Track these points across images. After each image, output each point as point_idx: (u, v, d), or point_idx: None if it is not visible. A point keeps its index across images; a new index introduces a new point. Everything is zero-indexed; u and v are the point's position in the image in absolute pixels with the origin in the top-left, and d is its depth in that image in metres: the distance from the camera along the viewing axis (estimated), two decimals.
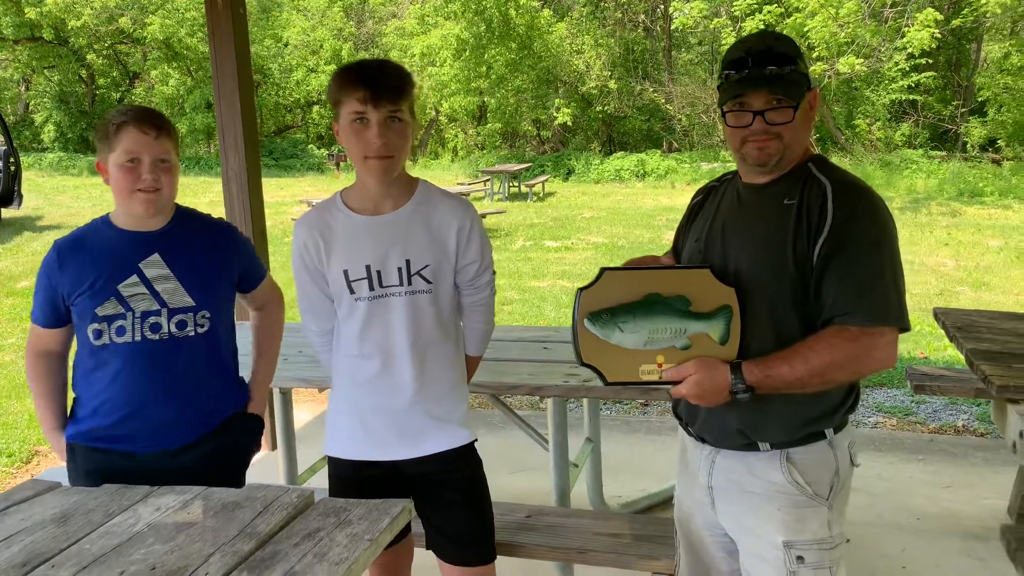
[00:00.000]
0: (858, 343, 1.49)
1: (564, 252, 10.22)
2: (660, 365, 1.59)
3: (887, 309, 1.50)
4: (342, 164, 20.05)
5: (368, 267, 1.78)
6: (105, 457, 1.91)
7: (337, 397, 1.93)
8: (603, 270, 1.62)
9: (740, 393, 1.54)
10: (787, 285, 1.55)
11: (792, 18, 15.51)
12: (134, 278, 1.87)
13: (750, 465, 1.64)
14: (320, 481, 3.44)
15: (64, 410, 2.00)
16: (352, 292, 1.80)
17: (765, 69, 1.53)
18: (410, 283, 1.79)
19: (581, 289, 1.61)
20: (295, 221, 1.86)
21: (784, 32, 15.36)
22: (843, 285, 1.50)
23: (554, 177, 18.44)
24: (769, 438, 1.61)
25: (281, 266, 8.91)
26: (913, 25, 14.70)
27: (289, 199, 14.53)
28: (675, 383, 1.59)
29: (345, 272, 1.79)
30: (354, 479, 1.91)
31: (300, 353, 3.12)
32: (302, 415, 4.54)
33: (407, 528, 1.96)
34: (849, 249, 1.49)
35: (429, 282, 1.81)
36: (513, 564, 2.17)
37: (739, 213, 1.65)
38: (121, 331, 1.86)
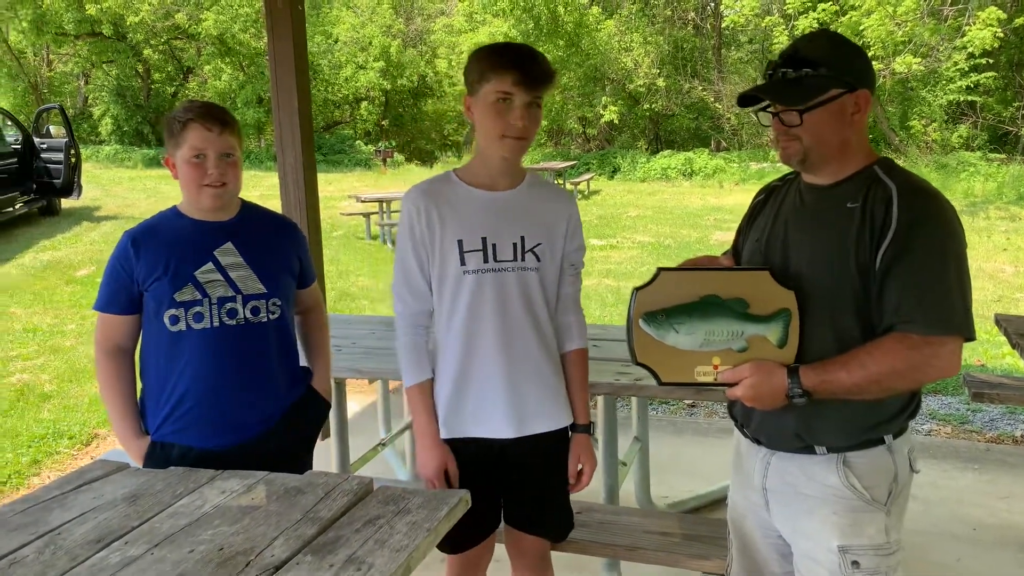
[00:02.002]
0: (919, 351, 1.46)
1: (609, 251, 10.19)
2: (716, 367, 1.59)
3: (951, 317, 1.46)
4: (388, 160, 20.25)
5: (484, 239, 1.81)
6: (183, 453, 1.95)
7: (444, 377, 1.90)
8: (660, 270, 1.61)
9: (797, 398, 1.52)
10: (848, 289, 1.52)
11: (847, 16, 15.22)
12: (209, 265, 1.93)
13: (806, 468, 1.62)
14: (371, 470, 3.50)
15: (138, 414, 2.02)
16: (463, 263, 1.81)
17: (777, 72, 1.55)
18: (523, 259, 1.83)
19: (637, 288, 1.61)
20: (405, 193, 1.88)
21: (838, 30, 15.11)
22: (906, 291, 1.47)
23: (599, 175, 18.38)
24: (826, 442, 1.59)
25: (330, 260, 9.06)
26: (974, 24, 14.30)
27: (337, 194, 14.73)
28: (730, 385, 1.58)
29: (460, 242, 1.81)
30: (456, 459, 1.90)
31: (354, 345, 3.18)
32: (352, 406, 4.62)
33: (491, 526, 1.98)
34: (913, 254, 1.46)
35: (539, 260, 1.84)
36: (561, 559, 2.18)
37: (801, 215, 1.63)
38: (199, 317, 1.91)
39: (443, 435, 1.90)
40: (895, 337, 1.48)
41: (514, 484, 1.95)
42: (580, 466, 1.96)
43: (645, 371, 1.63)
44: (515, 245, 1.82)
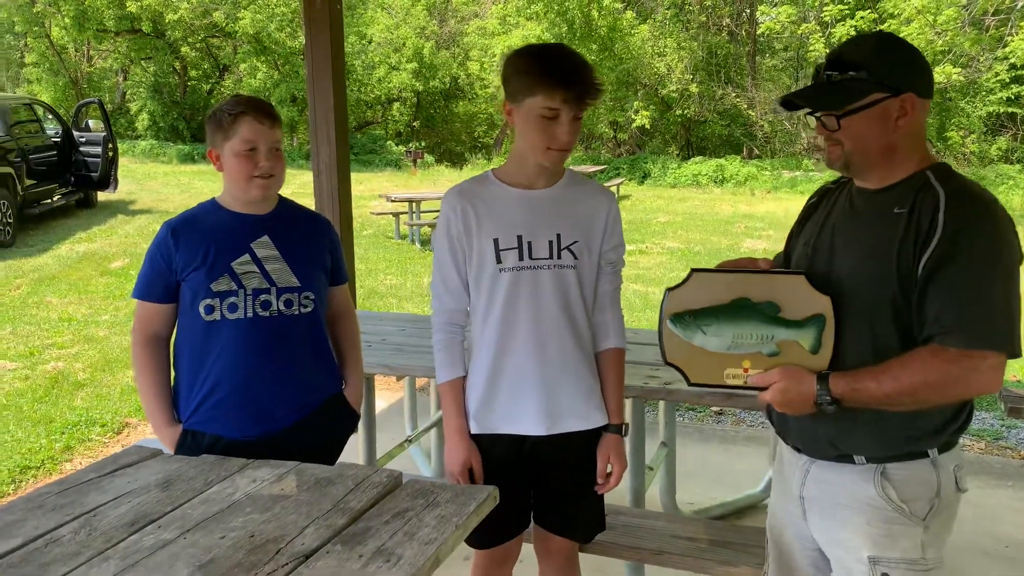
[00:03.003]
0: (957, 365, 1.40)
1: (638, 256, 10.14)
2: (746, 370, 1.58)
3: (992, 330, 1.40)
4: (419, 161, 20.33)
5: (520, 237, 1.82)
6: (213, 442, 1.97)
7: (477, 373, 1.90)
8: (693, 271, 1.61)
9: (825, 405, 1.49)
10: (888, 297, 1.48)
11: (886, 24, 15.03)
12: (246, 256, 1.95)
13: (843, 477, 1.58)
14: (396, 466, 3.51)
15: (171, 402, 2.05)
16: (499, 261, 1.82)
17: (822, 75, 1.53)
18: (559, 256, 1.83)
19: (669, 289, 1.61)
20: (444, 193, 1.89)
21: None
22: (946, 301, 1.41)
23: (629, 180, 18.31)
24: (864, 451, 1.55)
25: (359, 258, 9.13)
26: (1017, 34, 14.05)
27: (367, 193, 14.82)
28: (760, 389, 1.57)
29: (495, 240, 1.82)
30: (485, 455, 1.90)
31: (383, 341, 3.19)
32: (379, 402, 4.64)
33: (521, 524, 1.98)
34: (957, 263, 1.41)
35: (576, 258, 1.84)
36: (585, 560, 2.18)
37: (849, 219, 1.60)
38: (233, 308, 1.94)
39: (474, 430, 1.90)
40: (932, 349, 1.43)
41: (544, 483, 1.95)
42: (609, 467, 1.95)
43: (674, 375, 1.63)
44: (551, 243, 1.83)
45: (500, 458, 1.90)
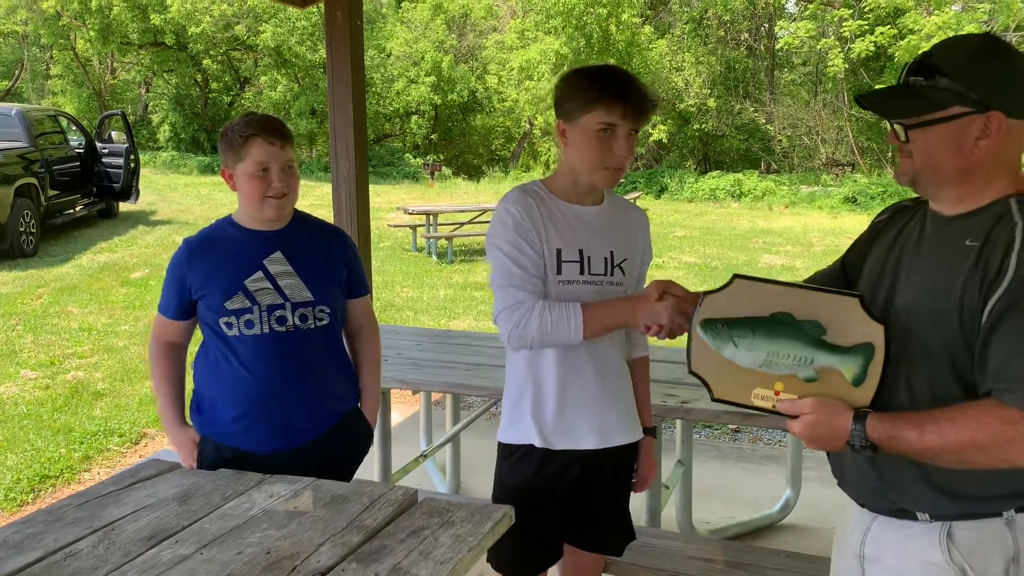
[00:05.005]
0: (1013, 428, 1.22)
1: (654, 270, 10.07)
2: (778, 393, 1.42)
3: None
4: (436, 174, 20.43)
5: (581, 251, 1.81)
6: (233, 456, 1.98)
7: (546, 390, 1.85)
8: (735, 276, 1.48)
9: (859, 447, 1.32)
10: (943, 341, 1.32)
11: (906, 40, 14.98)
12: (259, 274, 1.97)
13: (906, 537, 1.41)
14: (411, 481, 3.52)
15: (184, 406, 2.08)
16: (559, 273, 1.79)
17: (904, 78, 1.37)
18: (612, 274, 1.83)
19: (706, 292, 1.51)
20: (500, 199, 1.83)
21: (896, 54, 14.40)
22: (1011, 353, 1.23)
23: (646, 194, 18.30)
24: (927, 508, 1.37)
25: (376, 270, 9.17)
26: None
27: (385, 205, 14.91)
28: (789, 416, 1.40)
29: (558, 251, 1.79)
30: (532, 467, 1.87)
31: (399, 355, 3.20)
32: (394, 415, 4.65)
33: (555, 555, 1.96)
34: None
35: (624, 275, 1.85)
36: None
37: (917, 246, 1.43)
38: (250, 324, 1.96)
39: (538, 444, 1.85)
40: (988, 405, 1.25)
41: (581, 500, 1.93)
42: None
43: (693, 392, 1.59)
44: (606, 260, 1.83)
45: (556, 476, 1.86)
